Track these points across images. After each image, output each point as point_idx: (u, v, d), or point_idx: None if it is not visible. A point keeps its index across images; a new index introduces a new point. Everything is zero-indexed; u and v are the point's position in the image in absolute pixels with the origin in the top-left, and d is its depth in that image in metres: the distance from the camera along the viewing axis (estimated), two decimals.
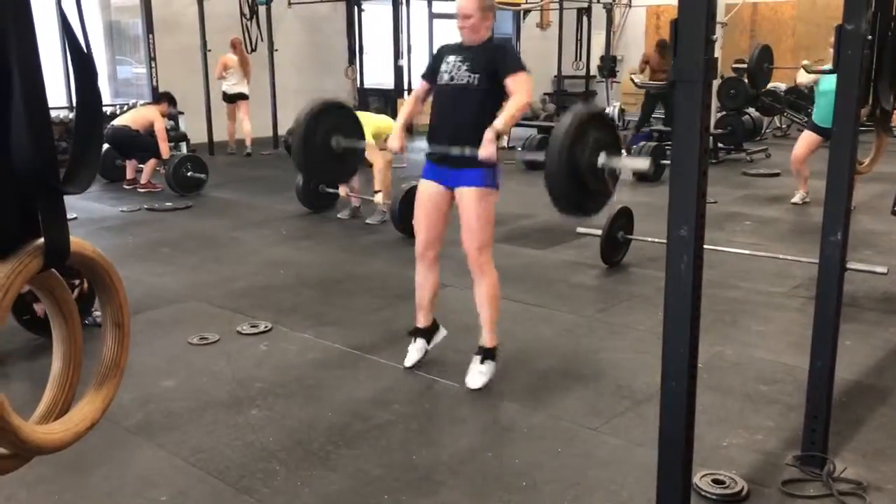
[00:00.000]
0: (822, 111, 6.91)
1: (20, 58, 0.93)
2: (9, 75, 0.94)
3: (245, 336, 4.14)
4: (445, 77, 3.40)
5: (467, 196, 3.38)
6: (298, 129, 3.83)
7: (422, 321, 3.71)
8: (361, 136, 4.10)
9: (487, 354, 3.53)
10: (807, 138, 7.20)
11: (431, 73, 3.52)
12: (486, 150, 3.21)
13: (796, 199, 7.49)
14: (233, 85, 10.82)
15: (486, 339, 3.54)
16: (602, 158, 2.99)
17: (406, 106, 3.68)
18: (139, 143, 8.29)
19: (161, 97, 8.79)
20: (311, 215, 7.22)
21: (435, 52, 3.60)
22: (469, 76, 3.33)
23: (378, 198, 6.69)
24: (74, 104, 1.11)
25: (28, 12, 0.96)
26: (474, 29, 3.37)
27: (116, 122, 8.32)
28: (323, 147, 3.86)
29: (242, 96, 10.87)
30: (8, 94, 0.94)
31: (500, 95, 3.33)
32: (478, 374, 3.49)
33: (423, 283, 3.64)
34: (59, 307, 1.14)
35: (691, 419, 2.03)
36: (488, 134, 3.20)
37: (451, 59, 3.41)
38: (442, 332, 3.79)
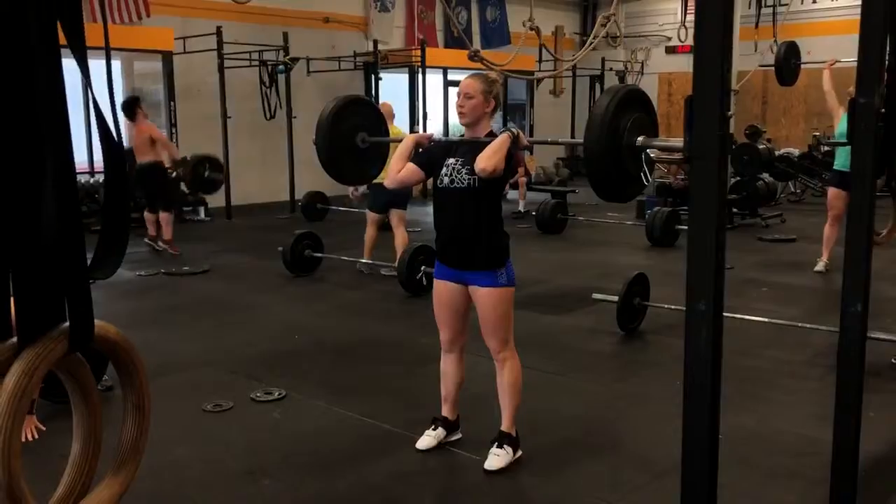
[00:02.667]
0: (842, 157, 6.87)
1: (53, 149, 0.95)
2: (42, 165, 0.96)
3: (259, 403, 4.11)
4: (446, 180, 3.29)
5: (484, 297, 3.30)
6: (323, 127, 3.82)
7: (447, 412, 3.60)
8: (385, 131, 4.11)
9: (506, 439, 3.39)
10: (835, 198, 7.10)
11: (426, 165, 3.39)
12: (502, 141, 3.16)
13: (819, 267, 7.42)
14: None
15: (506, 425, 3.41)
16: (640, 139, 2.92)
17: (400, 159, 3.46)
18: (164, 183, 8.29)
19: (132, 106, 8.21)
20: (326, 280, 7.24)
21: (431, 145, 3.47)
22: (469, 179, 3.23)
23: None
24: (103, 190, 1.13)
25: (63, 107, 0.99)
26: (474, 111, 3.27)
27: (141, 159, 8.21)
28: (348, 144, 3.85)
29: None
30: (40, 183, 0.97)
31: (499, 191, 3.33)
32: (494, 457, 3.35)
33: (449, 374, 3.55)
34: (81, 390, 1.14)
35: (713, 498, 1.99)
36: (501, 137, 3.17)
37: (451, 161, 3.30)
38: (458, 435, 3.64)
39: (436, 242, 3.45)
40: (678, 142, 3.07)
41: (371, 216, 7.27)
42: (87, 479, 1.16)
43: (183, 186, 8.17)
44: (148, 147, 8.18)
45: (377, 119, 4.11)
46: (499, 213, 3.36)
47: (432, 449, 3.53)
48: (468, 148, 3.30)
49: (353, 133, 3.91)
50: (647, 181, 3.05)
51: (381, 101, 8.53)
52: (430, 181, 3.45)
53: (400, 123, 8.34)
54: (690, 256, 1.88)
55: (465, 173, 3.24)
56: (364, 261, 7.33)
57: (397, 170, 3.41)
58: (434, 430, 3.58)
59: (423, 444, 3.55)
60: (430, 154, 3.42)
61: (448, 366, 3.54)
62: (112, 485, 1.19)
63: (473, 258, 3.29)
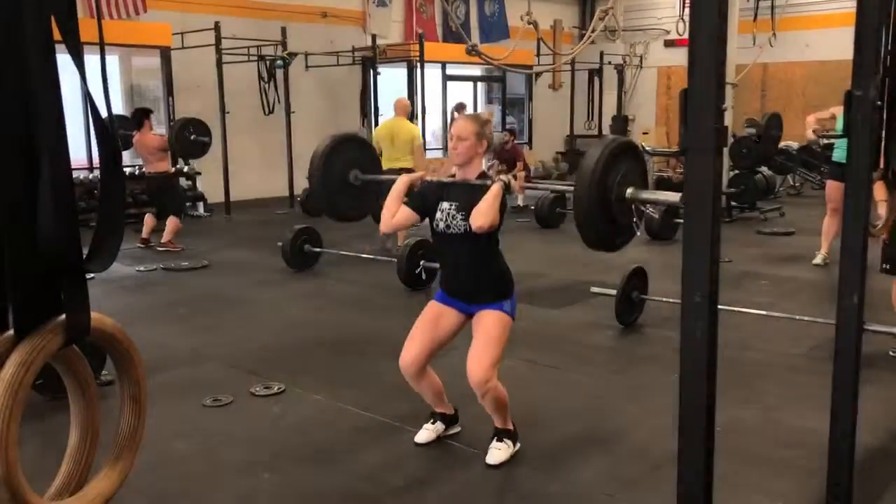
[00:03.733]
0: (841, 149, 6.86)
1: (49, 144, 0.96)
2: (38, 160, 0.97)
3: (258, 398, 4.13)
4: (441, 225, 3.33)
5: (488, 318, 3.29)
6: (317, 165, 3.85)
7: (441, 410, 3.61)
8: (379, 169, 4.14)
9: (504, 433, 3.40)
10: (833, 190, 7.10)
11: (420, 209, 3.42)
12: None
13: (818, 259, 7.42)
14: None
15: (501, 424, 3.41)
16: (630, 191, 2.92)
17: (394, 199, 3.47)
18: (173, 193, 8.39)
19: (140, 117, 8.36)
20: (326, 275, 7.25)
21: (423, 185, 3.48)
22: (464, 225, 3.25)
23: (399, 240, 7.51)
24: (99, 185, 1.14)
25: (58, 102, 0.99)
26: (467, 153, 3.32)
27: (147, 168, 8.37)
28: (341, 181, 3.88)
29: None
30: (36, 177, 0.97)
31: (497, 231, 3.34)
32: (495, 451, 3.36)
33: (424, 392, 3.52)
34: (78, 382, 1.15)
35: (709, 489, 1.99)
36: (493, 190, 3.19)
37: (445, 206, 3.33)
38: (457, 428, 3.65)
39: (440, 275, 3.51)
40: (668, 195, 3.12)
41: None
42: (85, 470, 1.16)
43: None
44: (155, 157, 8.25)
45: (370, 155, 4.15)
46: (497, 248, 3.38)
47: (431, 442, 3.54)
48: (461, 190, 3.34)
49: (346, 170, 3.93)
50: (637, 231, 3.08)
51: (396, 97, 8.61)
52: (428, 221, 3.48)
53: None
54: (686, 248, 1.88)
55: (461, 219, 3.27)
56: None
57: (392, 213, 3.43)
58: (433, 423, 3.59)
59: (422, 437, 3.56)
60: (423, 197, 3.44)
61: (417, 385, 3.47)
62: (109, 475, 1.20)
63: (478, 293, 3.33)
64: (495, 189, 3.21)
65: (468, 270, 3.34)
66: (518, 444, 3.42)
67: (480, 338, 3.27)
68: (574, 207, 2.96)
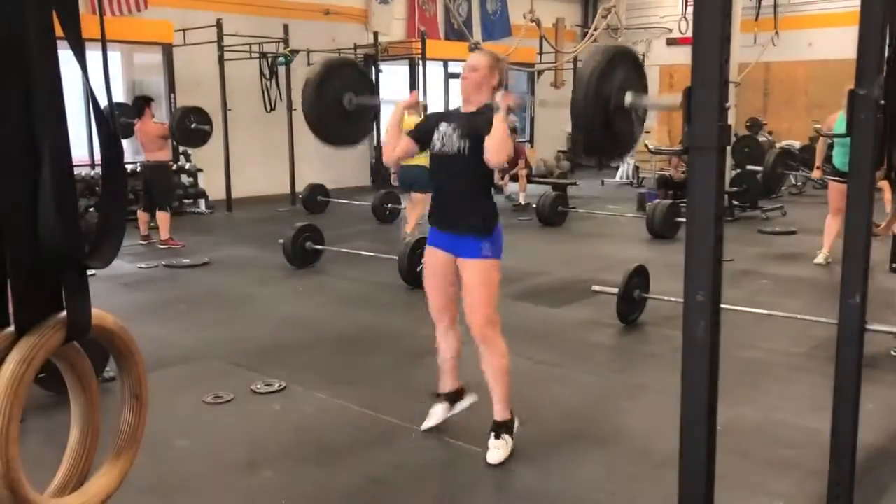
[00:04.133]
0: (840, 154, 6.90)
1: (50, 139, 0.96)
2: (39, 154, 0.97)
3: (259, 395, 4.12)
4: (437, 145, 3.35)
5: (469, 268, 3.31)
6: (310, 86, 3.78)
7: (446, 386, 3.63)
8: (372, 90, 4.07)
9: (502, 428, 3.39)
10: (833, 191, 7.15)
11: (417, 135, 3.45)
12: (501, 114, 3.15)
13: (819, 259, 7.42)
14: None
15: (500, 414, 3.40)
16: (629, 97, 2.89)
17: (393, 127, 3.51)
18: (166, 184, 8.40)
19: (142, 105, 8.37)
20: (327, 272, 7.25)
21: (427, 117, 3.52)
22: (459, 142, 3.26)
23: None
24: (101, 181, 1.14)
25: (59, 97, 0.99)
26: (476, 84, 3.29)
27: (148, 157, 8.35)
28: (335, 106, 3.80)
29: None
30: (37, 172, 0.97)
31: (493, 171, 3.34)
32: (495, 450, 3.33)
33: (442, 346, 3.58)
34: (79, 379, 1.15)
35: (711, 488, 1.99)
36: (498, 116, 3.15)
37: (443, 126, 3.35)
38: (470, 398, 3.67)
39: (430, 205, 3.50)
40: (668, 99, 3.03)
41: (417, 196, 8.01)
42: (85, 467, 1.16)
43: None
44: (155, 146, 8.24)
45: (365, 81, 4.07)
46: (488, 183, 3.36)
47: (432, 439, 3.54)
48: (462, 116, 3.35)
49: (340, 94, 3.85)
50: (636, 139, 3.03)
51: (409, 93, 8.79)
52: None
53: None
54: (689, 247, 1.88)
55: (456, 138, 3.28)
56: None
57: (392, 146, 3.45)
58: (439, 404, 3.63)
59: (427, 423, 3.62)
60: (423, 127, 3.46)
61: (441, 336, 3.56)
62: (110, 472, 1.20)
63: (460, 221, 3.32)
64: (500, 124, 3.13)
65: (454, 194, 3.33)
66: (513, 434, 3.41)
67: (468, 297, 3.33)
68: (572, 117, 2.92)
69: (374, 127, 13.27)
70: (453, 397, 3.64)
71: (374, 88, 4.11)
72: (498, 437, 3.36)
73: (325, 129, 4.00)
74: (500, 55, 3.44)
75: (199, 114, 8.48)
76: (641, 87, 2.97)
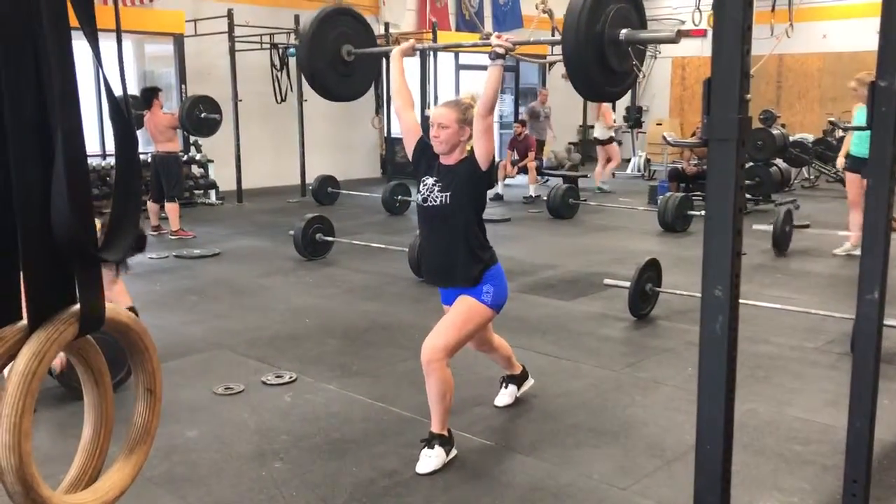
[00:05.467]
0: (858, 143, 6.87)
1: (64, 128, 0.94)
2: (53, 146, 0.95)
3: (270, 386, 4.12)
4: (420, 198, 3.31)
5: (463, 302, 3.26)
6: (304, 39, 3.61)
7: (508, 370, 3.85)
8: (373, 42, 3.88)
9: (436, 439, 3.25)
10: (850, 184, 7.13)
11: (417, 149, 3.39)
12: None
13: (843, 249, 7.37)
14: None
15: (437, 427, 3.26)
16: (625, 32, 2.76)
17: (398, 73, 3.48)
18: (176, 174, 8.41)
19: (150, 96, 8.35)
20: (337, 263, 7.24)
21: (427, 142, 3.38)
22: (441, 196, 3.22)
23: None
24: (114, 172, 1.12)
25: (73, 85, 0.97)
26: (449, 142, 3.23)
27: (158, 148, 8.36)
28: (333, 58, 3.61)
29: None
30: (50, 163, 0.96)
31: (477, 211, 3.29)
32: (425, 458, 3.22)
33: (494, 359, 3.81)
34: (92, 373, 1.13)
35: (727, 485, 1.97)
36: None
37: (429, 182, 3.29)
38: (531, 381, 3.94)
39: (423, 262, 3.53)
40: (665, 33, 2.92)
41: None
42: (99, 462, 1.15)
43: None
44: (164, 136, 8.25)
45: (364, 30, 3.91)
46: (475, 229, 3.29)
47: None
48: (444, 175, 3.27)
49: (338, 46, 3.70)
50: (639, 73, 2.93)
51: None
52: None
53: None
54: (707, 241, 1.85)
55: (437, 191, 3.24)
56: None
57: (401, 94, 3.44)
58: (506, 387, 3.85)
59: (501, 401, 3.83)
60: (424, 148, 3.37)
61: (489, 356, 3.79)
62: (123, 468, 1.19)
63: (455, 275, 3.28)
64: (495, 69, 3.14)
65: (444, 248, 3.28)
66: (454, 453, 3.30)
67: (445, 319, 3.27)
68: (563, 52, 2.80)
69: (384, 121, 13.25)
70: (519, 378, 3.87)
71: (374, 39, 3.94)
72: (431, 447, 3.24)
73: (322, 83, 3.82)
74: (467, 100, 3.33)
75: (209, 103, 8.48)
76: (640, 22, 2.86)
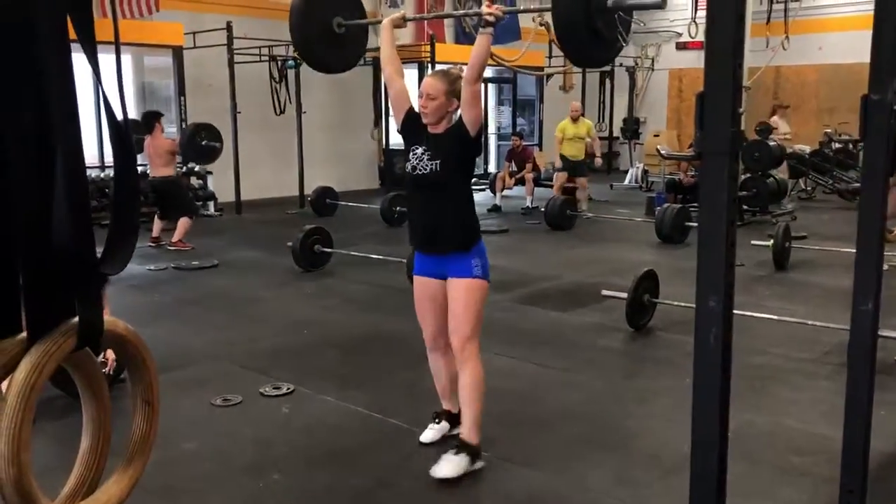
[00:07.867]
0: None
1: (63, 142, 0.95)
2: (53, 158, 0.97)
3: (268, 398, 4.12)
4: (409, 167, 3.31)
5: (456, 286, 3.25)
6: (297, 15, 3.62)
7: (447, 406, 3.58)
8: (362, 14, 3.90)
9: (465, 449, 3.23)
10: None
11: (406, 119, 3.40)
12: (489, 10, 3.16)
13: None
14: None
15: (467, 435, 3.25)
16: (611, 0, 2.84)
17: (388, 45, 3.50)
18: (181, 196, 8.42)
19: (151, 120, 8.41)
20: (336, 275, 7.25)
21: (415, 114, 3.39)
22: (431, 164, 3.24)
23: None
24: (113, 184, 1.13)
25: (73, 101, 0.99)
26: (436, 112, 3.25)
27: (153, 172, 8.40)
28: (323, 30, 3.65)
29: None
30: (50, 177, 0.97)
31: (466, 178, 3.33)
32: (446, 463, 3.19)
33: (438, 373, 3.53)
34: (90, 385, 1.14)
35: (723, 496, 1.98)
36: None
37: (419, 151, 3.29)
38: (460, 429, 3.54)
39: (410, 229, 3.46)
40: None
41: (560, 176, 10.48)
42: (97, 474, 1.16)
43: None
44: (162, 161, 8.29)
45: (354, 3, 3.97)
46: (464, 199, 3.33)
47: (439, 443, 3.52)
48: (433, 143, 3.29)
49: (329, 18, 3.73)
50: (625, 42, 3.00)
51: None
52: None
53: None
54: (701, 252, 1.87)
55: (427, 159, 3.25)
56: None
57: (392, 65, 3.44)
58: (437, 423, 3.57)
59: (427, 437, 3.54)
60: (414, 117, 3.38)
61: (436, 362, 3.51)
62: (121, 480, 1.19)
63: (444, 240, 3.27)
64: (484, 37, 3.18)
65: (434, 214, 3.28)
66: (478, 464, 3.26)
67: (452, 312, 3.27)
68: (553, 19, 2.88)
69: (382, 129, 13.29)
70: (455, 418, 3.52)
71: (363, 11, 3.98)
72: (457, 453, 3.22)
73: (312, 54, 3.89)
74: (456, 71, 3.36)
75: (210, 130, 8.52)
76: None
